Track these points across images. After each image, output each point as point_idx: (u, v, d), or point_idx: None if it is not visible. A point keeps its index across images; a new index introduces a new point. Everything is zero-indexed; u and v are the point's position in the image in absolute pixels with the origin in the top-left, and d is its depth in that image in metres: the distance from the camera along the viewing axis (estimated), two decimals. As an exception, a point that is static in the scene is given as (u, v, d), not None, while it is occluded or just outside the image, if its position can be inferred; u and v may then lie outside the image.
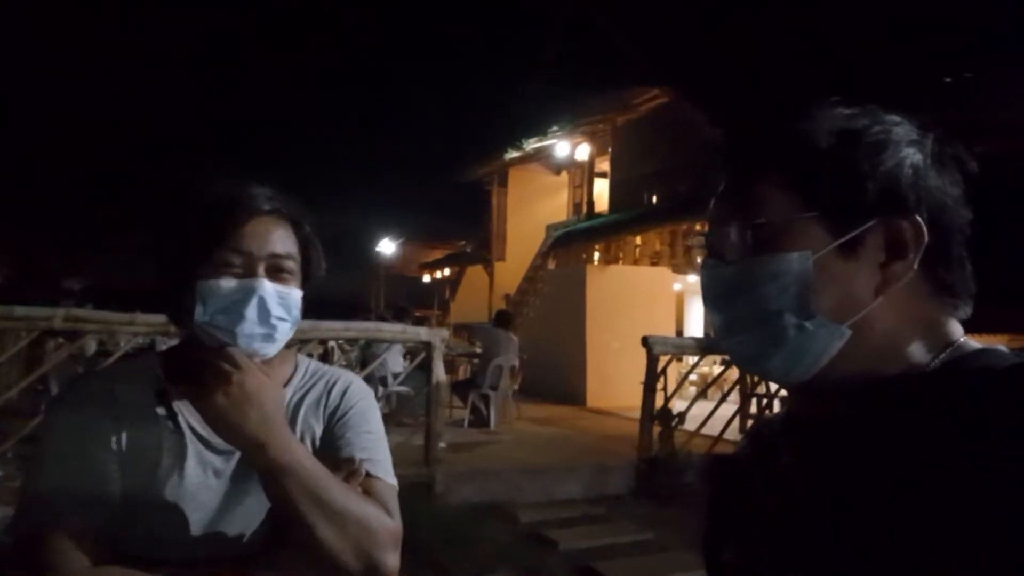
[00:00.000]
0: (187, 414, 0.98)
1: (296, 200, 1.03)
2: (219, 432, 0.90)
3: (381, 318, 9.32)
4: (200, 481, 0.96)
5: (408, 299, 14.36)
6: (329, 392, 1.07)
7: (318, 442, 1.03)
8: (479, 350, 8.64)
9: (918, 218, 0.60)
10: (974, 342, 0.63)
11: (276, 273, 0.97)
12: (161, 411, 0.98)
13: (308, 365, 1.11)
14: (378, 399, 7.01)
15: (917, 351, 0.62)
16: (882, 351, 0.62)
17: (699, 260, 0.72)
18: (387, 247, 22.40)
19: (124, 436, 0.94)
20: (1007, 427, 0.50)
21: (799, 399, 0.69)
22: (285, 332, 0.98)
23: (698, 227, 11.43)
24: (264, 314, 0.94)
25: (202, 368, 0.90)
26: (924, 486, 0.52)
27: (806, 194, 0.62)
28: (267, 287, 0.95)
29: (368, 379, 6.53)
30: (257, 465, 0.89)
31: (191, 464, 0.96)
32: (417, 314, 11.22)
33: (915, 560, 0.51)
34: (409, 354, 7.25)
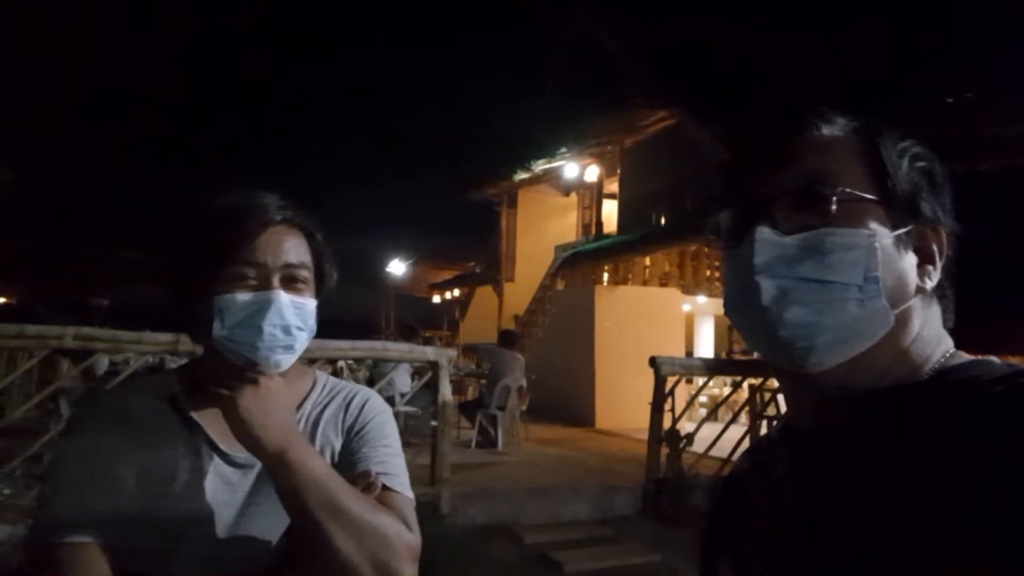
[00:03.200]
0: (205, 428, 0.98)
1: (308, 211, 1.04)
2: (241, 437, 0.89)
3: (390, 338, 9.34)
4: (219, 496, 0.95)
5: (417, 319, 14.36)
6: (347, 407, 1.08)
7: (336, 456, 1.04)
8: (486, 370, 8.62)
9: (946, 229, 0.64)
10: (965, 354, 0.64)
11: (291, 283, 0.97)
12: (178, 426, 0.97)
13: (326, 380, 1.11)
14: (385, 419, 7.01)
15: (920, 356, 0.64)
16: (903, 353, 0.63)
17: (716, 239, 0.70)
18: (397, 267, 22.48)
19: (141, 452, 0.94)
20: (1002, 435, 0.50)
21: (795, 405, 0.70)
22: (303, 342, 0.98)
23: (706, 248, 11.43)
24: (282, 325, 0.95)
25: (226, 376, 0.91)
26: (918, 494, 0.53)
27: (878, 183, 0.64)
28: (283, 298, 0.95)
29: (375, 399, 6.53)
30: (276, 472, 0.89)
31: (210, 479, 0.96)
32: (426, 334, 11.24)
33: (911, 567, 0.51)
34: (416, 374, 7.26)
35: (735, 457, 6.26)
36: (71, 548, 0.87)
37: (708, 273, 11.64)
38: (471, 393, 9.97)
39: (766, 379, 7.29)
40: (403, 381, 7.23)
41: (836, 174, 0.63)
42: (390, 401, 6.96)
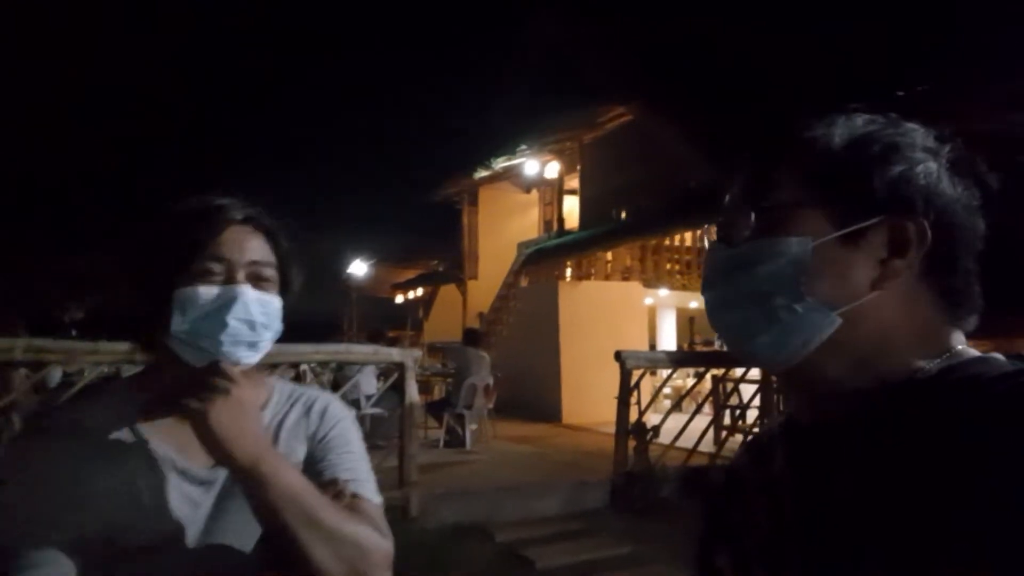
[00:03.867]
0: (163, 443, 0.92)
1: (272, 213, 1.01)
2: (213, 450, 0.85)
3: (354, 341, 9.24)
4: (182, 515, 0.90)
5: (381, 320, 14.28)
6: (308, 414, 1.05)
7: (301, 466, 1.00)
8: (452, 370, 8.60)
9: (923, 221, 0.62)
10: (973, 350, 0.63)
11: (256, 281, 0.94)
12: (134, 442, 0.92)
13: (283, 388, 1.08)
14: (351, 422, 6.93)
15: (913, 355, 0.62)
16: (876, 349, 0.62)
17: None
18: (359, 268, 22.26)
19: (95, 472, 0.87)
20: (1002, 433, 0.50)
21: (796, 402, 0.70)
22: (267, 342, 0.95)
23: (667, 242, 11.58)
24: (248, 321, 0.91)
25: (193, 385, 0.86)
26: (918, 492, 0.53)
27: (815, 187, 0.64)
28: (250, 293, 0.92)
29: (341, 402, 6.46)
30: (249, 486, 0.85)
31: (171, 498, 0.90)
32: (390, 335, 11.15)
33: (909, 565, 0.52)
34: (382, 375, 7.20)
35: (700, 447, 6.37)
36: None
37: (669, 267, 11.80)
38: (437, 393, 9.93)
39: (728, 370, 7.42)
40: (368, 383, 7.17)
41: (776, 182, 0.66)
42: (355, 404, 6.89)
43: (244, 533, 0.91)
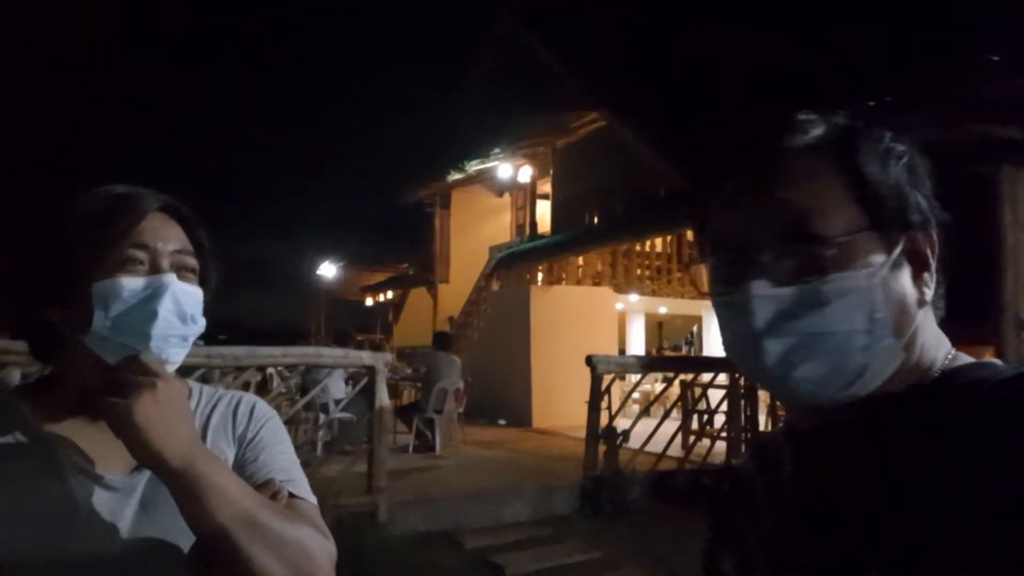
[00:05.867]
0: (69, 450, 0.84)
1: (188, 203, 0.93)
2: (139, 452, 0.77)
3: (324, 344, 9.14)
4: (98, 527, 0.83)
5: (350, 323, 14.14)
6: (235, 414, 0.98)
7: (231, 469, 0.93)
8: (422, 374, 8.55)
9: (932, 233, 0.62)
10: (965, 356, 0.64)
11: (180, 271, 0.88)
12: (36, 449, 0.83)
13: (201, 388, 1.01)
14: (319, 426, 6.84)
15: (925, 362, 0.62)
16: (908, 363, 0.62)
17: (705, 280, 0.67)
18: (328, 271, 22.05)
19: None
20: (1008, 440, 0.50)
21: (799, 412, 0.68)
22: (194, 336, 0.88)
23: (638, 247, 11.67)
24: (177, 312, 0.84)
25: (107, 383, 0.78)
26: (923, 497, 0.53)
27: (864, 209, 0.60)
28: (177, 283, 0.85)
29: (309, 406, 6.38)
30: (181, 490, 0.77)
31: (86, 508, 0.83)
32: (359, 338, 11.05)
33: (914, 569, 0.52)
34: (351, 379, 7.13)
35: (669, 451, 6.42)
36: None
37: (639, 272, 11.90)
38: (407, 397, 9.86)
39: (696, 375, 7.50)
40: (337, 387, 7.08)
41: (821, 208, 0.60)
42: (324, 408, 6.81)
43: (171, 545, 0.85)
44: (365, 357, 5.32)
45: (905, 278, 0.61)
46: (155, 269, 0.85)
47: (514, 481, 6.24)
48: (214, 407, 0.98)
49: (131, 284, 0.83)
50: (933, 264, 0.62)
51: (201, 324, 0.89)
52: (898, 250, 0.60)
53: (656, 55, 10.20)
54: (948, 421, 0.55)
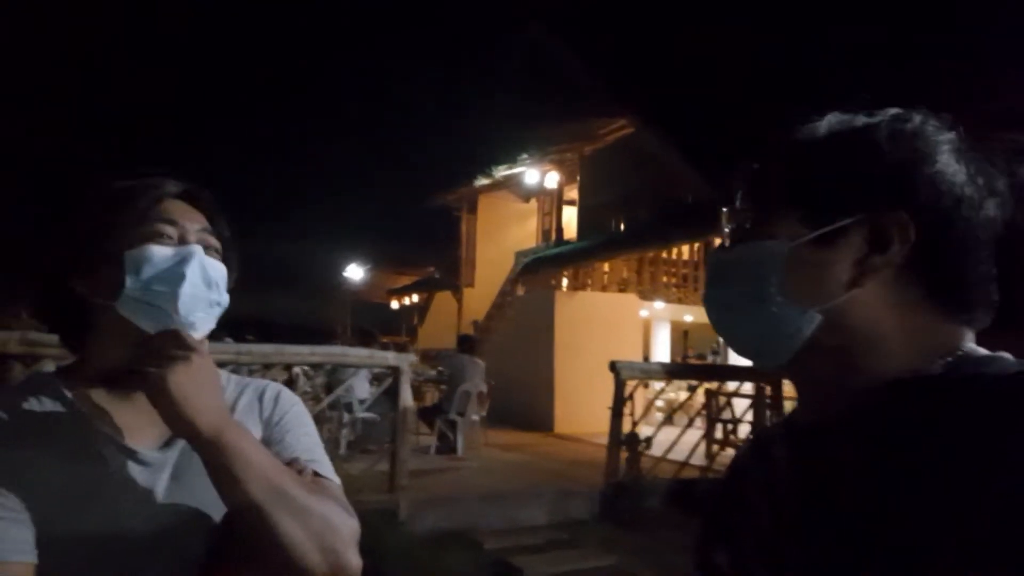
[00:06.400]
0: (105, 424, 0.88)
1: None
2: (173, 420, 0.80)
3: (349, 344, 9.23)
4: (132, 498, 0.85)
5: (375, 325, 14.23)
6: (261, 399, 1.02)
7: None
8: (446, 376, 8.60)
9: (904, 215, 0.60)
10: (981, 349, 0.62)
11: (206, 249, 0.91)
12: (73, 423, 0.87)
13: (229, 376, 1.04)
14: (343, 425, 6.92)
15: (910, 354, 0.61)
16: (864, 348, 0.62)
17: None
18: (355, 273, 22.25)
19: (37, 464, 0.82)
20: (1009, 436, 0.50)
21: (800, 402, 0.70)
22: (219, 308, 0.91)
23: (664, 254, 11.62)
24: (205, 279, 0.87)
25: (145, 354, 0.81)
26: (921, 493, 0.53)
27: (790, 189, 0.66)
28: (204, 256, 0.89)
29: (333, 405, 6.46)
30: (213, 457, 0.80)
31: (119, 480, 0.86)
32: (384, 340, 11.14)
33: (912, 566, 0.52)
34: (375, 380, 7.20)
35: (692, 460, 6.37)
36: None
37: (665, 279, 11.84)
38: (429, 399, 9.92)
39: (721, 384, 7.44)
40: (362, 387, 7.16)
41: (761, 188, 0.69)
42: (348, 408, 6.89)
43: (202, 516, 0.87)
44: (390, 357, 5.38)
45: (835, 255, 0.62)
46: (183, 242, 0.90)
47: (534, 485, 6.25)
48: (241, 393, 1.02)
49: (161, 252, 0.87)
50: (893, 249, 0.61)
51: (226, 298, 0.92)
52: (829, 227, 0.63)
53: (682, 62, 10.16)
54: (949, 417, 0.54)
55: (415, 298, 19.96)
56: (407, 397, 5.21)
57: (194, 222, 0.93)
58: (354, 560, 0.86)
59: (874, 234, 0.62)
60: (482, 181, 14.73)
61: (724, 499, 0.77)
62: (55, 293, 0.91)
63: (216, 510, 0.86)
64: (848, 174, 0.63)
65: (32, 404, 0.87)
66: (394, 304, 21.40)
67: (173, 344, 0.82)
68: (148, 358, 0.81)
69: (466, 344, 8.36)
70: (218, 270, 0.91)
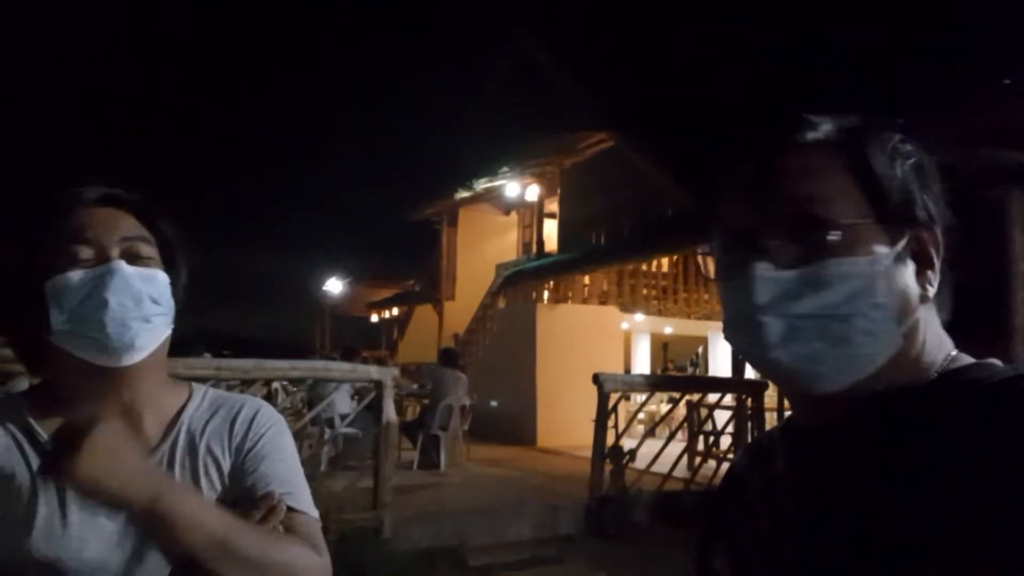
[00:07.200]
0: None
1: (147, 195, 0.93)
2: (102, 501, 0.77)
3: (328, 358, 9.14)
4: (98, 543, 0.83)
5: (355, 339, 14.15)
6: (234, 422, 0.96)
7: (226, 479, 0.93)
8: (428, 390, 8.54)
9: (937, 231, 0.63)
10: (967, 356, 0.64)
11: (133, 258, 0.86)
12: (30, 454, 0.85)
13: (205, 392, 0.99)
14: (324, 442, 6.83)
15: (926, 361, 0.63)
16: (910, 359, 0.63)
17: (711, 267, 0.69)
18: (334, 286, 22.09)
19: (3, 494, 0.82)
20: (1005, 440, 0.51)
21: (797, 406, 0.69)
22: (161, 318, 0.87)
23: (644, 267, 11.68)
24: (131, 295, 0.83)
25: (55, 440, 0.78)
26: (920, 497, 0.53)
27: (870, 201, 0.62)
28: (125, 268, 0.84)
29: (314, 421, 6.37)
30: (152, 526, 0.78)
31: (75, 520, 0.82)
32: (364, 354, 11.04)
33: (911, 569, 0.52)
34: (357, 395, 7.12)
35: (675, 472, 6.37)
36: None
37: (645, 292, 11.89)
38: (411, 413, 9.84)
39: (703, 396, 7.47)
40: (343, 402, 7.08)
41: (827, 197, 0.62)
42: (329, 423, 6.80)
43: (156, 553, 0.84)
44: (373, 372, 5.32)
45: (908, 272, 0.62)
46: (102, 259, 0.85)
47: (518, 499, 6.21)
48: (214, 413, 0.97)
49: (76, 277, 0.83)
50: (937, 263, 0.63)
51: (168, 306, 0.88)
52: (902, 244, 0.62)
53: (663, 75, 10.27)
54: (945, 421, 0.56)
55: (395, 311, 19.86)
56: (390, 412, 5.16)
57: (115, 231, 0.87)
58: None
59: (921, 250, 0.63)
60: (463, 194, 14.73)
61: (723, 503, 0.77)
62: (9, 328, 0.90)
63: None
64: (916, 192, 0.63)
65: (2, 433, 0.85)
66: (374, 318, 21.27)
67: (66, 435, 0.78)
68: (55, 457, 0.77)
69: (448, 357, 8.32)
70: (147, 280, 0.86)
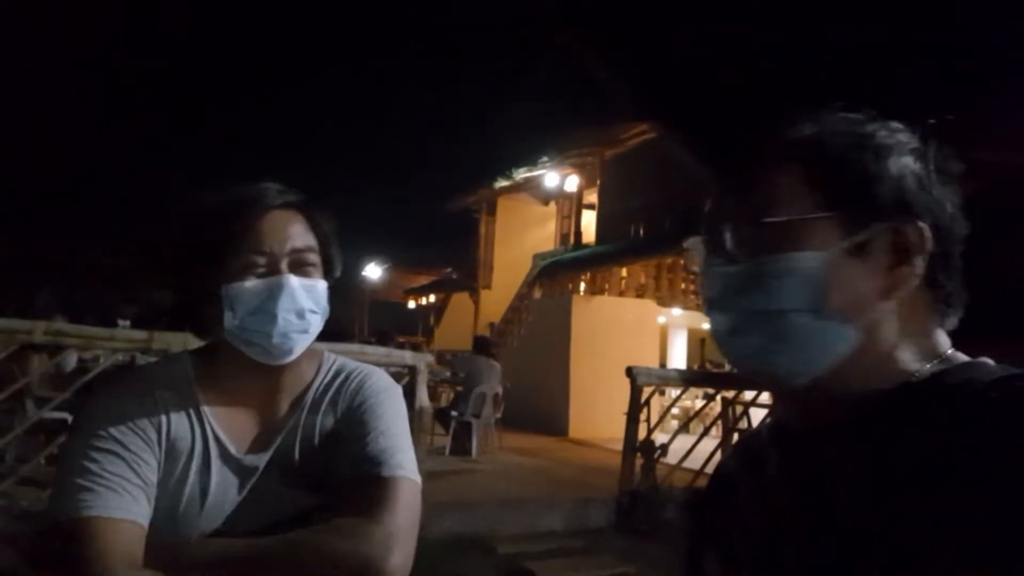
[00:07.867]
0: (216, 426, 0.97)
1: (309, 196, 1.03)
2: None
3: (366, 342, 9.25)
4: (219, 498, 0.95)
5: (392, 325, 14.29)
6: (346, 390, 1.04)
7: (325, 439, 1.01)
8: (462, 377, 8.59)
9: (922, 224, 0.60)
10: (962, 355, 0.63)
11: (299, 267, 0.96)
12: (194, 420, 0.97)
13: (333, 362, 1.08)
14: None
15: (910, 360, 0.62)
16: (883, 358, 0.61)
17: (696, 263, 0.70)
18: (372, 272, 22.35)
19: (162, 439, 0.94)
20: (998, 440, 0.50)
21: (786, 407, 0.69)
22: (317, 325, 0.98)
23: (683, 261, 11.55)
24: (295, 310, 0.94)
25: None
26: (913, 497, 0.53)
27: (821, 194, 0.62)
28: (293, 282, 0.94)
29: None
30: None
31: (215, 479, 0.95)
32: (400, 340, 11.16)
33: (906, 570, 0.51)
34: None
35: (708, 469, 6.30)
36: (97, 521, 0.84)
37: (683, 286, 11.76)
38: (444, 400, 9.92)
39: (739, 392, 7.36)
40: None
41: (780, 194, 0.62)
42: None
43: (273, 516, 0.94)
44: (407, 357, 5.37)
45: (868, 266, 0.61)
46: (273, 270, 0.94)
47: (549, 490, 6.23)
48: (332, 383, 1.05)
49: (251, 286, 0.93)
50: (916, 259, 0.61)
51: (323, 312, 0.99)
52: (859, 237, 0.61)
53: (705, 68, 10.10)
54: (936, 421, 0.55)
55: (432, 298, 20.01)
56: (423, 397, 5.20)
57: (287, 241, 0.96)
58: (390, 563, 0.88)
59: (897, 244, 0.61)
60: (501, 183, 14.74)
61: (713, 505, 0.77)
62: (183, 313, 1.01)
63: (284, 525, 0.92)
64: (876, 182, 0.61)
65: (169, 391, 0.97)
66: (411, 304, 21.47)
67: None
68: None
69: (482, 345, 8.35)
70: (311, 292, 0.96)
